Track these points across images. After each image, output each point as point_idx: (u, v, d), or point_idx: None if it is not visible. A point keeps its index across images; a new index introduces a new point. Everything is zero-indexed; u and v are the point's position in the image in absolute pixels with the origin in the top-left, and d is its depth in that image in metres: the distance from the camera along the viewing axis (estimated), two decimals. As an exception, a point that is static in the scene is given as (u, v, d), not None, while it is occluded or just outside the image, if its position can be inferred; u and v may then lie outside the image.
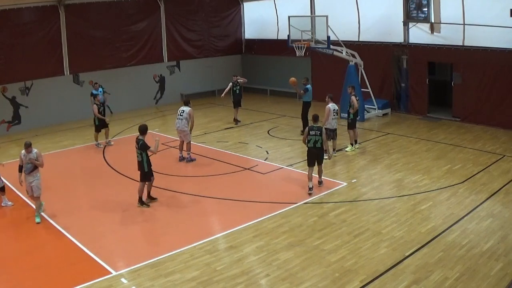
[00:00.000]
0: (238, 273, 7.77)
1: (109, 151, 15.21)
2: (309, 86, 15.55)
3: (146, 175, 10.51)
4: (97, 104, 15.09)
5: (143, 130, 10.54)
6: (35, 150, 9.89)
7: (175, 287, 7.47)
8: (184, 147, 13.70)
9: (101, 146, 15.43)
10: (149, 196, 10.82)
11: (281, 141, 15.53)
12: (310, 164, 11.18)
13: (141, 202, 10.60)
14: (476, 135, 15.48)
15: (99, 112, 15.04)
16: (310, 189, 11.08)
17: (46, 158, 14.56)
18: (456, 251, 8.17)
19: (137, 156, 10.53)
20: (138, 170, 10.61)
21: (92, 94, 18.23)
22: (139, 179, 10.64)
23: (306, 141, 11.16)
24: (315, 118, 11.34)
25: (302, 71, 22.12)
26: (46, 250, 8.90)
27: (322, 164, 11.49)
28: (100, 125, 15.23)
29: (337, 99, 13.91)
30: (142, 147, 10.32)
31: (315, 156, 11.16)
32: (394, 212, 9.85)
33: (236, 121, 18.16)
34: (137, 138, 10.53)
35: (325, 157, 11.63)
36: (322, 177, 11.57)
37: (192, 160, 13.69)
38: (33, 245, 9.12)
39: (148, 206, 10.60)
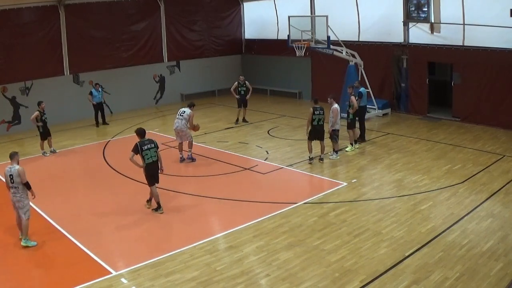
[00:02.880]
0: (238, 273, 7.77)
1: (109, 151, 15.21)
2: (362, 89, 14.94)
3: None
4: (40, 112, 14.50)
5: (143, 133, 10.14)
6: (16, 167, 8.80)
7: (175, 287, 7.47)
8: (185, 147, 13.70)
9: (48, 154, 14.87)
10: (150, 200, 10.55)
11: (281, 141, 15.53)
12: (311, 138, 12.90)
13: (159, 206, 10.30)
14: (476, 135, 15.47)
15: (41, 120, 14.45)
16: (311, 159, 12.97)
17: (46, 158, 14.73)
18: (456, 251, 8.17)
19: (153, 157, 9.97)
20: (151, 172, 10.04)
21: (91, 93, 18.28)
22: (153, 183, 10.15)
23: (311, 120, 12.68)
24: (315, 101, 13.07)
25: (302, 71, 22.21)
26: (46, 250, 8.90)
27: (324, 141, 13.05)
28: (45, 132, 14.69)
29: (337, 99, 13.91)
30: (157, 146, 10.18)
31: (317, 132, 12.83)
32: (394, 212, 9.85)
33: (244, 120, 18.15)
34: (143, 141, 9.96)
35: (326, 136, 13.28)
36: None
37: (192, 159, 13.69)
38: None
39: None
